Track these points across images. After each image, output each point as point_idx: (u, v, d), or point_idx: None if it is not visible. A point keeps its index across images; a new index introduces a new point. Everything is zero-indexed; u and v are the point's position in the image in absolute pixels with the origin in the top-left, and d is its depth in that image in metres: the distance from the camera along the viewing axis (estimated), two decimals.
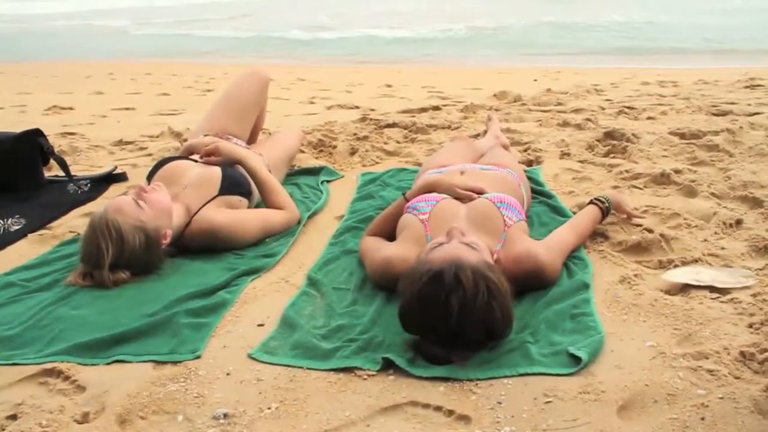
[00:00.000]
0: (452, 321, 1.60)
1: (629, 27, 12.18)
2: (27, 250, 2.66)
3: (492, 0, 17.52)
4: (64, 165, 3.48)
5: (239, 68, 9.18)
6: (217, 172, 2.61)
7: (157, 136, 4.49)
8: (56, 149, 3.75)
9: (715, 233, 2.45)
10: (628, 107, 4.85)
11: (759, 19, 12.31)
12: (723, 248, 2.31)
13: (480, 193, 2.26)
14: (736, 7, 15.01)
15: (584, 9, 14.55)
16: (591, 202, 2.44)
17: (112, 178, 3.51)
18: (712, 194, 2.85)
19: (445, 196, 2.26)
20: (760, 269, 2.12)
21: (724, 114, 4.45)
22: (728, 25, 11.55)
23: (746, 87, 5.74)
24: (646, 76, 6.81)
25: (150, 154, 3.99)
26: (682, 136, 3.84)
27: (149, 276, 2.28)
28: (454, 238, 1.79)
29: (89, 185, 3.43)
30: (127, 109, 5.92)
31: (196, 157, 2.76)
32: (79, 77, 8.71)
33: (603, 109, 4.89)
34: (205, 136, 3.00)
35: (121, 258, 2.20)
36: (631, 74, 7.12)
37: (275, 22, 15.34)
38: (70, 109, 6.00)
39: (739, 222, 2.53)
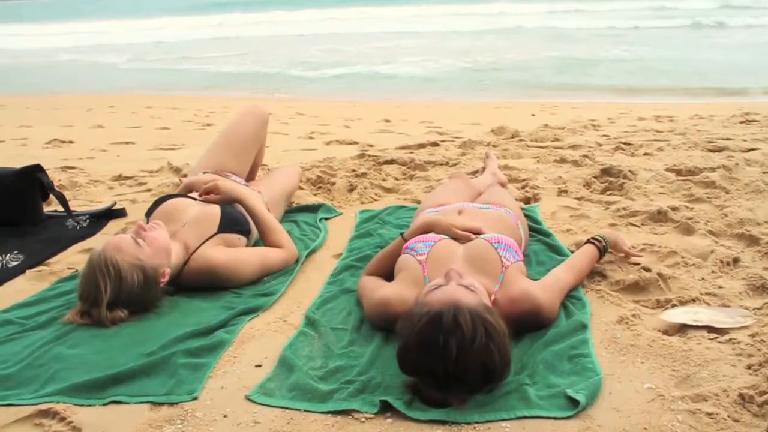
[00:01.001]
0: (450, 363, 1.61)
1: (630, 63, 12.36)
2: (25, 286, 2.66)
3: (495, 37, 17.77)
4: (63, 200, 3.49)
5: (239, 102, 9.31)
6: (216, 210, 2.63)
7: (157, 171, 4.51)
8: (56, 184, 3.77)
9: (713, 272, 2.47)
10: (625, 143, 4.88)
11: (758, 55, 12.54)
12: (720, 287, 2.32)
13: (478, 233, 2.28)
14: (737, 41, 15.27)
15: (588, 45, 14.76)
16: (588, 242, 2.46)
17: (111, 214, 3.52)
18: (710, 232, 2.87)
19: (442, 236, 2.27)
20: (758, 309, 2.13)
21: (720, 150, 4.48)
22: (728, 61, 11.74)
23: (741, 122, 5.78)
24: (642, 111, 6.86)
25: (149, 190, 4.01)
26: (678, 172, 3.86)
27: (147, 314, 2.28)
28: (452, 280, 1.80)
29: (88, 221, 3.44)
30: (126, 143, 5.95)
31: (195, 194, 2.78)
32: (80, 110, 8.76)
33: (600, 145, 4.92)
34: (204, 173, 3.02)
35: (119, 296, 2.20)
36: (628, 109, 7.17)
37: (277, 57, 15.53)
38: (71, 142, 6.03)
39: (736, 260, 2.55)
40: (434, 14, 25.74)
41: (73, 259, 2.95)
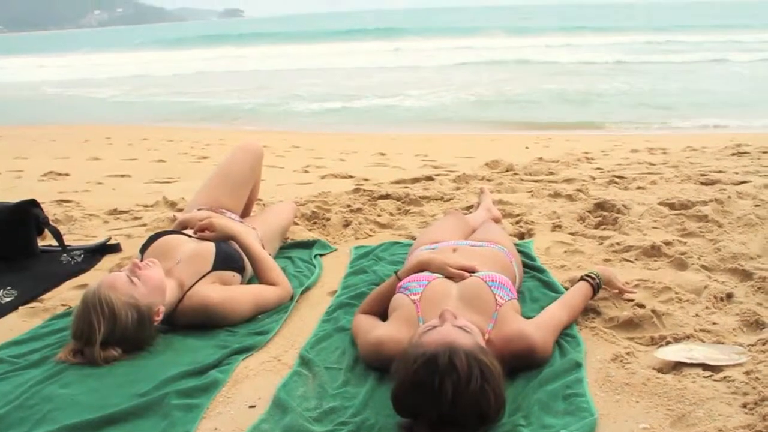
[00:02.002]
0: (446, 405, 1.60)
1: (629, 94, 12.55)
2: (17, 323, 2.65)
3: (495, 70, 18.02)
4: (58, 235, 3.49)
5: (235, 134, 9.37)
6: (210, 247, 2.63)
7: (152, 206, 4.52)
8: (51, 218, 3.77)
9: (707, 308, 2.47)
10: (618, 176, 4.92)
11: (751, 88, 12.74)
12: (714, 323, 2.32)
13: (472, 271, 2.28)
14: (733, 72, 15.52)
15: (589, 79, 14.97)
16: (582, 279, 2.47)
17: (105, 249, 3.52)
18: (703, 267, 2.88)
19: (437, 275, 2.28)
20: (752, 345, 2.13)
21: (712, 183, 4.52)
22: (727, 93, 11.93)
23: (733, 154, 5.84)
24: (635, 143, 6.92)
25: (144, 224, 4.01)
26: (671, 206, 3.88)
27: (141, 353, 2.27)
28: (446, 321, 1.80)
29: (82, 256, 3.44)
30: (122, 176, 5.98)
31: (190, 231, 2.78)
32: (76, 141, 8.80)
33: (593, 178, 4.96)
34: (199, 209, 3.04)
35: (112, 335, 2.19)
36: (621, 141, 7.23)
37: (275, 90, 15.69)
38: (66, 175, 6.05)
39: (729, 296, 2.56)
40: (430, 47, 26.09)
41: (66, 295, 2.94)
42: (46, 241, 3.64)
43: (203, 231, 2.73)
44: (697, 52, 19.71)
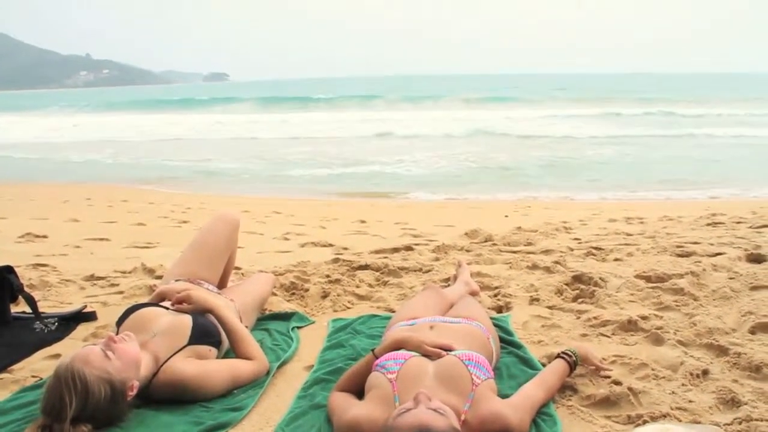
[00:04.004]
0: None
1: (613, 163, 12.88)
2: None
3: (485, 139, 18.45)
4: (32, 303, 3.44)
5: (215, 198, 9.40)
6: (187, 320, 2.62)
7: (130, 272, 4.49)
8: (26, 283, 3.73)
9: (683, 384, 2.48)
10: (596, 248, 4.98)
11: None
12: (691, 401, 2.33)
13: (448, 350, 2.29)
14: (719, 143, 16.02)
15: (576, 148, 15.38)
16: (559, 356, 2.48)
17: (80, 317, 3.47)
18: (679, 342, 2.90)
19: (413, 353, 2.28)
20: (728, 424, 2.13)
21: (688, 255, 4.58)
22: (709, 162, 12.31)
23: (708, 224, 5.95)
24: (613, 212, 7.04)
25: (121, 292, 3.97)
26: (648, 279, 3.93)
27: (112, 429, 2.22)
28: (421, 403, 1.80)
29: (57, 324, 3.38)
30: (101, 239, 5.94)
31: (167, 303, 2.77)
32: (56, 201, 8.77)
33: (571, 249, 5.01)
34: (176, 281, 3.03)
35: (84, 411, 2.14)
36: (599, 209, 7.35)
37: (262, 154, 15.86)
38: (44, 237, 6.00)
39: (705, 372, 2.57)
40: (423, 118, 26.52)
41: (38, 366, 2.88)
42: (20, 307, 3.58)
43: (181, 303, 2.72)
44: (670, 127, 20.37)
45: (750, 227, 5.70)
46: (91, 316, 3.50)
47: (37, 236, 6.00)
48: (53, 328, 3.35)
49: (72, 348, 2.95)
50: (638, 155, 14.12)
